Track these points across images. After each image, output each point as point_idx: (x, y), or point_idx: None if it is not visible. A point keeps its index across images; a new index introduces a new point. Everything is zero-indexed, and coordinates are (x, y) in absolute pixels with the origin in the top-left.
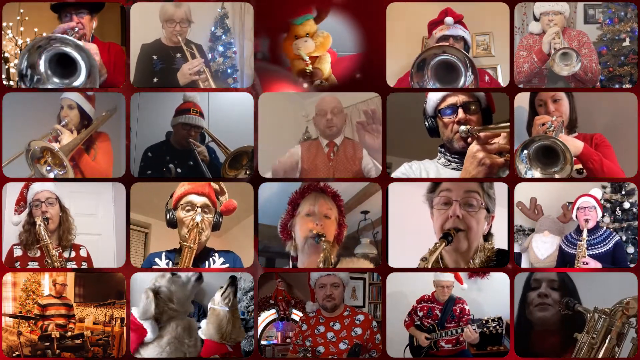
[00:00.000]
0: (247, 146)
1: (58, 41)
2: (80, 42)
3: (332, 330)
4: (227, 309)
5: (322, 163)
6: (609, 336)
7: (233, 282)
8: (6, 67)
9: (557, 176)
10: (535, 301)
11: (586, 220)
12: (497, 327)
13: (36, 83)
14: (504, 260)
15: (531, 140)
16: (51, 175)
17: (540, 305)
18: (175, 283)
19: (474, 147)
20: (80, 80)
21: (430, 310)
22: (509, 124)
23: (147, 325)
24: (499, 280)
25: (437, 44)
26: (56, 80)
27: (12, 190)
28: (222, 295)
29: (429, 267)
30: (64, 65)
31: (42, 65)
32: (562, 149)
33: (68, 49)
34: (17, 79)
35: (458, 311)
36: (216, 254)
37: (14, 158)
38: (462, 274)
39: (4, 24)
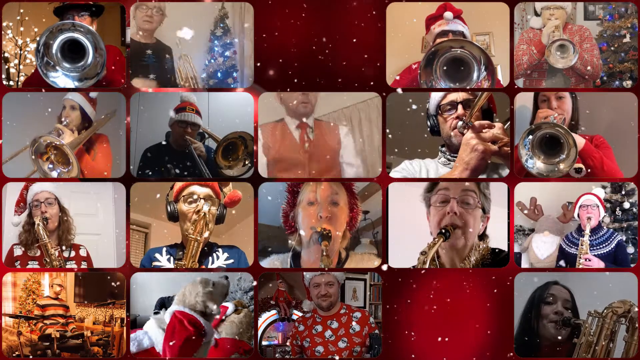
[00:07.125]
0: (235, 132)
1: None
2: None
3: (329, 329)
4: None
5: (292, 151)
6: (603, 334)
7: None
8: (6, 67)
9: (561, 165)
10: (552, 317)
11: (588, 219)
12: None
13: (45, 65)
14: (499, 260)
15: (537, 126)
16: (54, 174)
17: (555, 323)
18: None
19: (468, 135)
20: (87, 61)
21: None
22: (487, 94)
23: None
24: None
25: (454, 38)
26: (66, 65)
27: (12, 191)
28: None
29: (428, 261)
30: (74, 52)
31: (54, 48)
32: (565, 134)
33: (79, 35)
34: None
35: None
36: (220, 249)
37: (18, 153)
38: None
39: (4, 24)
